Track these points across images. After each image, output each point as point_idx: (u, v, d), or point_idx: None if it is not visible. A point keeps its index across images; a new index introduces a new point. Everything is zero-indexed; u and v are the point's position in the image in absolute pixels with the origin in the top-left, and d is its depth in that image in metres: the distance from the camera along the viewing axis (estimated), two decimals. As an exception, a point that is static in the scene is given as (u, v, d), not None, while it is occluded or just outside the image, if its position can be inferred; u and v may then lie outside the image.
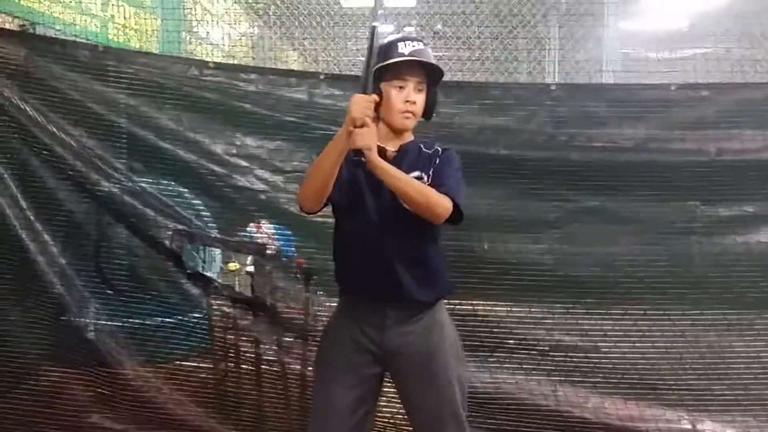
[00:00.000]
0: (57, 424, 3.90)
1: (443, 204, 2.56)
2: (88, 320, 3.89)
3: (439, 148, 2.75)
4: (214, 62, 4.00)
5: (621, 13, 6.13)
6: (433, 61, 2.68)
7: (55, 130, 3.80)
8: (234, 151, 3.85)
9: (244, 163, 3.85)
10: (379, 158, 2.50)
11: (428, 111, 2.74)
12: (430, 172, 2.67)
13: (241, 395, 3.95)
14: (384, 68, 2.62)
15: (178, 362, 3.96)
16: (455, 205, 2.60)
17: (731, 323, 3.72)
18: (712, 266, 3.72)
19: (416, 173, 2.65)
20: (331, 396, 2.71)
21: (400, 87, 2.64)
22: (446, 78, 3.95)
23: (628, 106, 3.77)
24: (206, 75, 3.87)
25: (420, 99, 2.67)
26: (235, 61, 5.84)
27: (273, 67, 6.14)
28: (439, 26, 7.07)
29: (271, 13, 7.52)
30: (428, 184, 2.63)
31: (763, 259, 3.70)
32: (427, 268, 2.71)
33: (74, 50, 3.90)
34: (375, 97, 2.50)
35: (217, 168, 3.87)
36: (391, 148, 2.70)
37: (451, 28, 6.82)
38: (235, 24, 7.01)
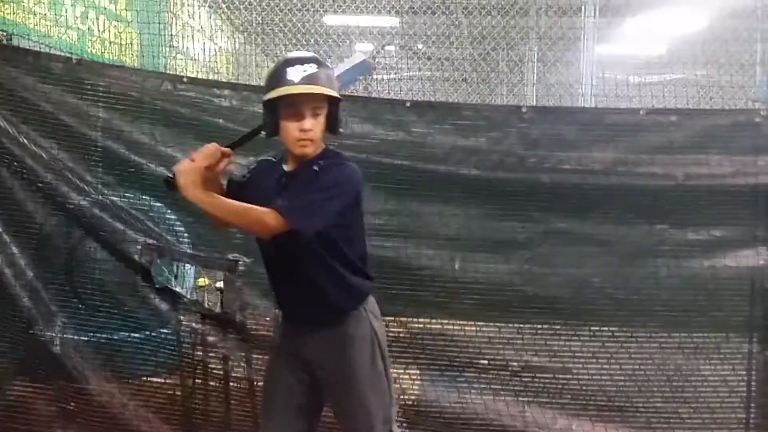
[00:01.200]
0: (21, 438, 3.86)
1: (263, 221, 2.50)
2: (54, 334, 3.84)
3: (328, 165, 2.64)
4: (188, 77, 4.01)
5: (599, 38, 6.21)
6: (323, 87, 2.56)
7: (26, 141, 3.79)
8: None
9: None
10: (195, 192, 2.51)
11: (332, 127, 2.66)
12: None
13: (208, 412, 3.92)
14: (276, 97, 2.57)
15: (145, 378, 3.92)
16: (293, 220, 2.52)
17: (698, 346, 3.75)
18: (680, 289, 3.75)
19: None
20: (273, 398, 2.84)
21: (295, 115, 2.57)
22: (425, 97, 3.99)
23: (598, 130, 3.82)
24: (180, 90, 3.89)
25: (317, 123, 2.59)
26: (216, 76, 5.85)
27: (253, 83, 6.14)
28: (420, 45, 7.13)
29: (251, 30, 7.54)
30: None
31: (730, 283, 3.74)
32: (324, 286, 2.68)
33: (47, 62, 3.91)
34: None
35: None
36: (290, 168, 2.69)
37: (431, 49, 6.89)
38: (215, 38, 7.02)
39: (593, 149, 3.77)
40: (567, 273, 3.80)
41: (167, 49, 5.40)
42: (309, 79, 2.54)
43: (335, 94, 2.61)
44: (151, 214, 3.94)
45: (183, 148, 3.84)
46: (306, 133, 2.57)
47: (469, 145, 3.80)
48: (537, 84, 5.84)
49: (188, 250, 3.96)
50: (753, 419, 3.74)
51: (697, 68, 4.04)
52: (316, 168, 2.62)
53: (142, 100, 3.88)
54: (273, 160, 2.81)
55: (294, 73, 2.54)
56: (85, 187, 3.85)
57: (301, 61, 2.58)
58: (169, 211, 3.98)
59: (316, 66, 2.57)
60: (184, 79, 3.97)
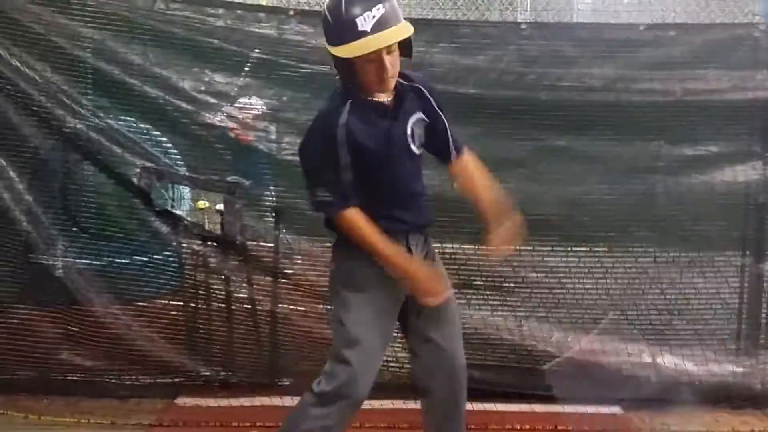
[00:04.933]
0: (26, 361, 3.91)
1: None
2: (56, 258, 3.85)
3: (415, 80, 2.62)
4: (183, -5, 3.92)
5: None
6: (400, 29, 2.42)
7: (18, 64, 3.71)
8: (202, 88, 3.81)
9: (212, 100, 3.81)
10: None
11: (407, 52, 2.53)
12: (432, 109, 2.63)
13: (211, 332, 3.99)
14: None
15: (149, 300, 3.96)
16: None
17: (692, 261, 3.83)
18: (675, 205, 3.81)
19: (418, 115, 2.59)
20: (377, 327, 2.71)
21: (374, 60, 2.42)
22: (418, 15, 3.93)
23: (597, 46, 3.81)
24: (173, 9, 3.80)
25: (395, 58, 2.47)
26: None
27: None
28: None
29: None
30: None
31: (725, 198, 3.81)
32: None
33: (37, -19, 3.79)
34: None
35: (185, 105, 3.82)
36: (385, 98, 2.56)
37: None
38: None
39: (592, 65, 3.76)
40: (564, 190, 3.83)
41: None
42: (382, 24, 2.37)
43: (410, 29, 2.47)
44: (146, 136, 3.91)
45: (178, 70, 3.81)
46: (389, 72, 2.46)
47: (467, 63, 3.77)
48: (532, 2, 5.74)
49: (186, 173, 3.95)
50: (744, 330, 3.86)
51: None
52: (407, 83, 2.58)
53: (134, 20, 3.80)
54: (344, 100, 2.55)
55: (364, 22, 2.37)
56: (81, 110, 3.79)
57: (367, 3, 2.38)
58: (161, 133, 3.96)
59: (382, 5, 2.38)
60: (177, -2, 3.89)
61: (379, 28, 2.38)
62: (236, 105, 3.85)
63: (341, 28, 2.42)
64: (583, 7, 4.37)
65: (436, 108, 2.64)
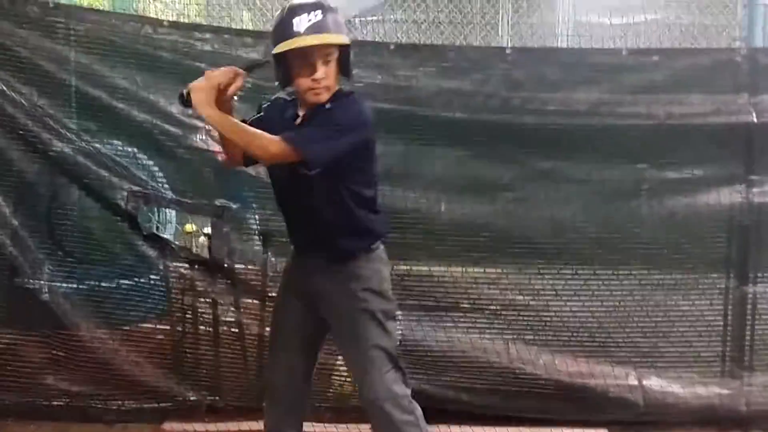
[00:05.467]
0: (12, 386, 3.88)
1: (266, 146, 2.51)
2: (42, 282, 3.83)
3: (339, 104, 2.62)
4: (168, 21, 3.94)
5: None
6: (332, 35, 2.52)
7: (4, 88, 3.71)
8: (189, 112, 3.81)
9: (199, 124, 3.81)
10: (208, 109, 2.50)
11: (345, 71, 2.64)
12: None
13: (198, 356, 3.97)
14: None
15: (135, 324, 3.94)
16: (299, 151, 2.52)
17: (677, 282, 3.86)
18: (660, 228, 3.83)
19: None
20: (280, 330, 2.97)
21: (306, 66, 2.53)
22: (403, 40, 3.97)
23: (581, 71, 3.86)
24: (160, 34, 3.82)
25: (329, 70, 2.56)
26: (188, 21, 5.74)
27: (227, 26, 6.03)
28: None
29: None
30: None
31: (709, 221, 3.84)
32: (338, 227, 2.72)
33: (23, 6, 3.79)
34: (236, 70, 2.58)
35: (172, 129, 3.83)
36: (301, 112, 2.67)
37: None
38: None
39: (576, 90, 3.80)
40: (550, 213, 3.85)
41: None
42: (316, 28, 2.49)
43: (345, 40, 2.57)
44: (133, 160, 3.91)
45: (165, 94, 3.81)
46: (319, 82, 2.54)
47: (453, 88, 3.80)
48: (515, 25, 5.81)
49: (173, 196, 3.95)
50: (729, 352, 3.88)
51: (679, 9, 4.05)
52: (327, 106, 2.59)
53: (121, 44, 3.82)
54: (287, 99, 2.76)
55: (300, 23, 2.49)
56: (67, 134, 3.79)
57: (306, 8, 2.51)
58: (147, 157, 3.96)
59: (321, 12, 2.51)
60: (164, 23, 3.91)
61: (311, 31, 2.51)
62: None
63: (279, 30, 2.56)
64: (566, 33, 4.42)
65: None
